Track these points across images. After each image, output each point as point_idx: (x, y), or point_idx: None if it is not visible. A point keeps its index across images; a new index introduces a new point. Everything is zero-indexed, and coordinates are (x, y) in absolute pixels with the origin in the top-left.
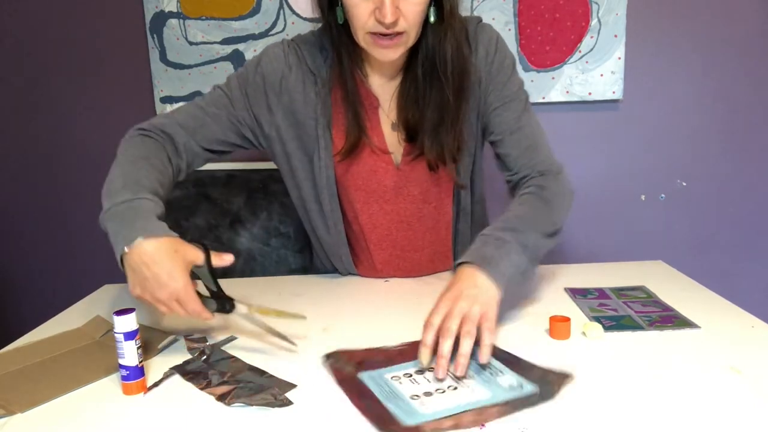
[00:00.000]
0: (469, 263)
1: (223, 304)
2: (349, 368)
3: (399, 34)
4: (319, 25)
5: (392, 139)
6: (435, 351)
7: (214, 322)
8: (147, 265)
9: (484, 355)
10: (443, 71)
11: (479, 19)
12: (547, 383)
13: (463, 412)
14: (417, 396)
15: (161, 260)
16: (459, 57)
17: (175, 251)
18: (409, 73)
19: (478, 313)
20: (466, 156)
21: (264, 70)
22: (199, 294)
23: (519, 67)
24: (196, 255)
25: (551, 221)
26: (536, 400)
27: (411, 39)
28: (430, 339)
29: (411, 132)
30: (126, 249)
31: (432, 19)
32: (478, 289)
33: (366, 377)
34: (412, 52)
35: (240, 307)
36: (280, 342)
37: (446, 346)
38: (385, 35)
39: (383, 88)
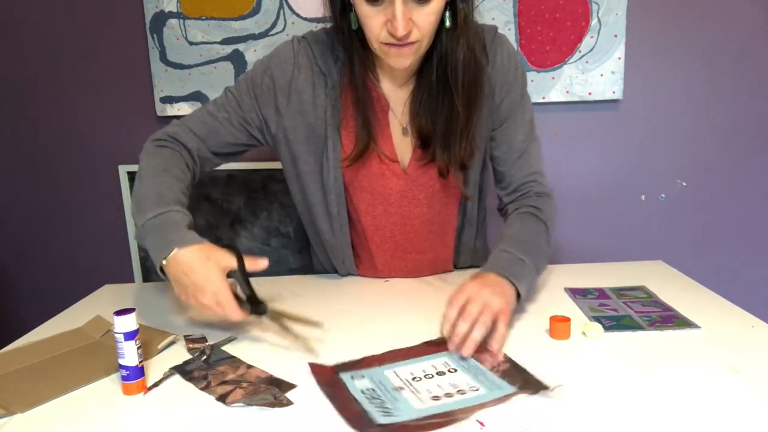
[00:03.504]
0: (493, 273)
1: (257, 306)
2: (328, 370)
3: (412, 43)
4: (329, 24)
5: (401, 144)
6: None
7: (217, 321)
8: (185, 273)
9: (497, 342)
10: (454, 78)
11: (496, 29)
12: (528, 384)
13: (433, 414)
14: (402, 388)
15: (196, 267)
16: (471, 64)
17: (207, 258)
18: (423, 78)
19: (498, 306)
20: (477, 164)
21: (273, 73)
22: (237, 297)
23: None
24: (229, 260)
25: (549, 243)
26: (513, 394)
27: (424, 46)
28: (452, 314)
29: (424, 138)
30: (164, 261)
31: (447, 24)
32: (501, 287)
33: (345, 377)
34: (426, 58)
35: (270, 311)
36: (298, 348)
37: (462, 327)
38: (397, 44)
39: (395, 93)
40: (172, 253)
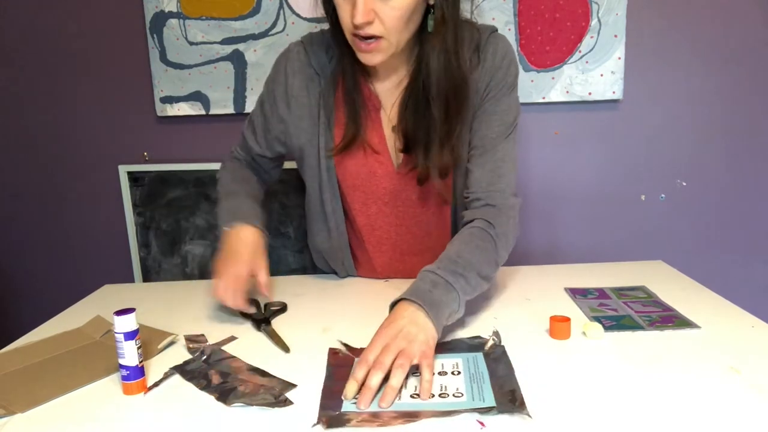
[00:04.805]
0: (412, 302)
1: (260, 317)
2: (348, 354)
3: (377, 39)
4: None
5: (393, 142)
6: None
7: (217, 322)
8: (242, 241)
9: (425, 391)
10: (428, 85)
11: (493, 29)
12: (507, 403)
13: (393, 411)
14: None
15: (252, 245)
16: (450, 72)
17: (262, 250)
18: (413, 82)
19: (417, 352)
20: (463, 166)
21: (273, 86)
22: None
23: (519, 67)
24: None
25: (494, 263)
26: (486, 411)
27: (393, 45)
28: (361, 374)
29: (408, 142)
30: (228, 228)
31: (430, 29)
32: (418, 327)
33: (356, 362)
34: (419, 61)
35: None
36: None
37: (375, 379)
38: (364, 38)
39: (389, 92)
40: (245, 226)
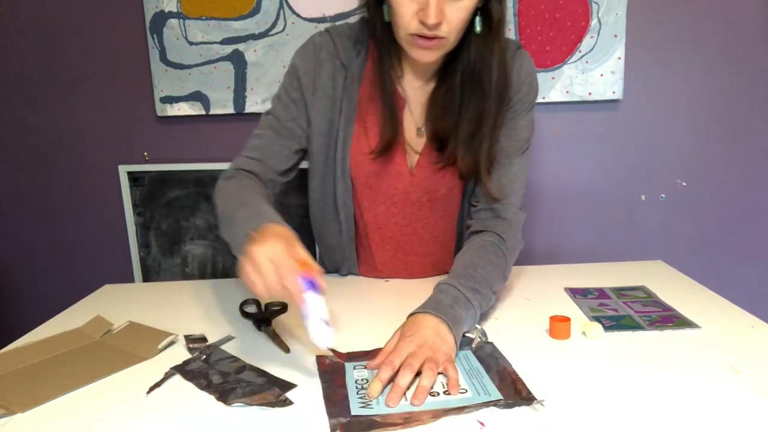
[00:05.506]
0: (433, 315)
1: (260, 317)
2: (336, 360)
3: (440, 37)
4: (335, 22)
5: (412, 143)
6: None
7: (216, 325)
8: (271, 230)
9: (454, 388)
10: (488, 83)
11: (518, 45)
12: (513, 396)
13: (402, 413)
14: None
15: (281, 232)
16: (503, 70)
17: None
18: (445, 80)
19: (442, 360)
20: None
21: (299, 73)
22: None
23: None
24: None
25: (503, 277)
26: (494, 405)
27: (450, 44)
28: (386, 375)
29: (440, 140)
30: (254, 231)
31: (478, 29)
32: (441, 338)
33: (349, 366)
34: (450, 60)
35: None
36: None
37: (405, 380)
38: (426, 37)
39: (415, 92)
40: (273, 224)
